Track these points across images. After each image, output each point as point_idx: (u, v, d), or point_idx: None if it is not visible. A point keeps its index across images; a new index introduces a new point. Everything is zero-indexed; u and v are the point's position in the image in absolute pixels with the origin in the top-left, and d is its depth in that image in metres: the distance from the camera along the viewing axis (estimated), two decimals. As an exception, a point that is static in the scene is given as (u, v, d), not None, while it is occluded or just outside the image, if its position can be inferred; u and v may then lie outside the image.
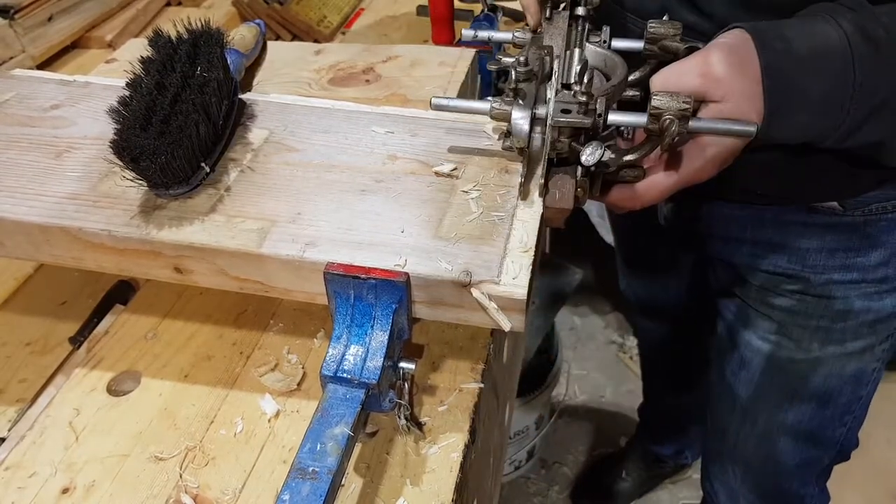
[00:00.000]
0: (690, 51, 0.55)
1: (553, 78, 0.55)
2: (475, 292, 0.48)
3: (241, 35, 0.77)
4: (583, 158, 0.49)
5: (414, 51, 0.81)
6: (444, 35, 1.03)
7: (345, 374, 0.47)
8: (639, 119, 0.51)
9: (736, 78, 0.50)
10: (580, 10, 0.62)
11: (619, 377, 1.81)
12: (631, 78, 0.59)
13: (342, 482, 0.45)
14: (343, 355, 0.47)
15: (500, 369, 0.69)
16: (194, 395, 0.57)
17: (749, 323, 0.83)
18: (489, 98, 0.53)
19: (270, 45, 0.84)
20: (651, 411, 1.49)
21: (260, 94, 0.66)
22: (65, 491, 0.50)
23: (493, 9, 1.02)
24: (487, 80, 0.86)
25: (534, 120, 0.52)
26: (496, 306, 0.48)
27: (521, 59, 0.53)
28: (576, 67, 0.50)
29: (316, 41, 1.07)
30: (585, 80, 0.49)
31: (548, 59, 0.57)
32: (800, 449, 0.89)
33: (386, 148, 0.59)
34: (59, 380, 0.61)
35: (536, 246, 0.50)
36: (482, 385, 0.57)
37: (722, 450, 0.99)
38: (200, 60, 0.56)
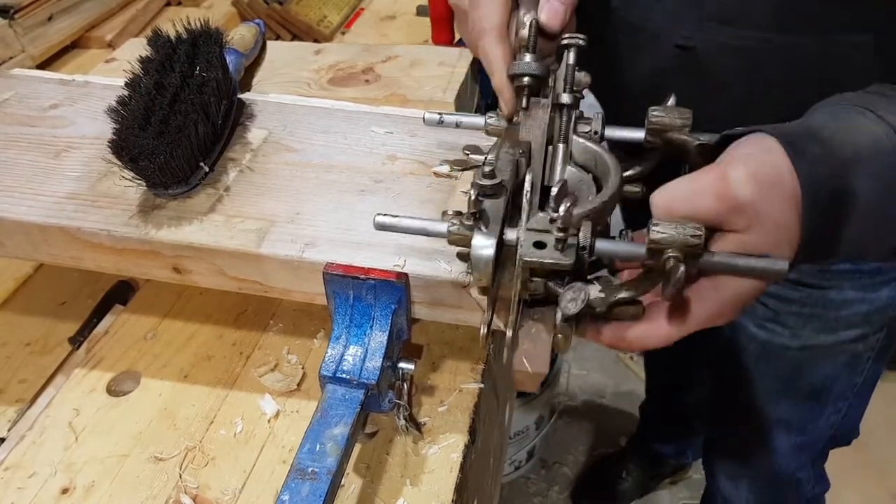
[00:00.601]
0: (703, 150, 0.46)
1: (525, 196, 0.42)
2: (474, 293, 0.48)
3: (241, 35, 0.77)
4: (561, 306, 0.40)
5: (414, 51, 0.81)
6: (444, 35, 1.02)
7: (344, 375, 0.47)
8: (635, 250, 0.41)
9: (765, 202, 0.39)
10: (566, 98, 0.49)
11: (619, 377, 1.81)
12: (628, 173, 0.49)
13: (342, 482, 0.45)
14: (342, 356, 0.47)
15: (500, 369, 0.69)
16: (194, 396, 0.57)
17: (746, 311, 0.84)
18: (447, 214, 0.43)
19: (270, 44, 0.84)
20: (653, 408, 1.49)
21: (259, 94, 0.66)
22: (64, 491, 0.50)
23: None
24: (487, 80, 0.86)
25: (501, 248, 0.42)
26: (496, 306, 0.48)
27: (487, 169, 0.43)
28: (557, 175, 0.42)
29: (316, 41, 1.06)
30: (562, 208, 0.38)
31: (523, 160, 0.47)
32: (793, 433, 0.91)
33: (385, 148, 0.59)
34: (58, 380, 0.60)
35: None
36: (482, 385, 0.57)
37: (720, 435, 1.01)
38: (199, 60, 0.56)
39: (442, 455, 0.52)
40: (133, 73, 0.57)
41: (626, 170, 0.49)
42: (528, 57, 0.49)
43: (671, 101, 0.48)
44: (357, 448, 0.52)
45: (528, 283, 0.41)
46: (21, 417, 0.57)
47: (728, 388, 0.93)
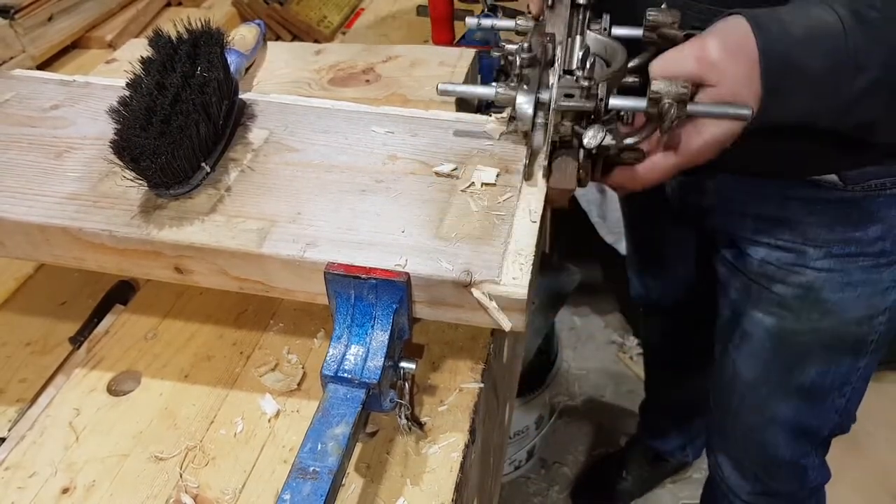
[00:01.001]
0: (688, 38, 0.57)
1: (556, 64, 0.56)
2: (476, 292, 0.48)
3: (242, 35, 0.77)
4: (585, 141, 0.51)
5: (414, 51, 0.81)
6: (444, 35, 1.03)
7: (345, 374, 0.47)
8: (639, 103, 0.52)
9: (731, 62, 0.51)
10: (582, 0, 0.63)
11: (619, 377, 1.81)
12: (631, 64, 0.61)
13: (342, 482, 0.45)
14: (344, 355, 0.47)
15: (500, 369, 0.69)
16: (194, 395, 0.57)
17: (752, 298, 0.86)
18: (493, 83, 0.55)
19: (270, 45, 0.84)
20: (653, 406, 1.49)
21: (260, 94, 0.66)
22: (65, 491, 0.50)
23: (493, 9, 1.02)
24: (488, 80, 0.86)
25: (537, 104, 0.54)
26: (497, 306, 0.48)
27: (525, 45, 0.54)
28: (578, 54, 0.53)
29: (316, 41, 1.07)
30: (587, 65, 0.50)
31: (550, 45, 0.58)
32: (800, 419, 0.91)
33: (386, 148, 0.59)
34: (59, 380, 0.61)
35: (537, 246, 0.51)
36: (482, 385, 0.57)
37: (725, 423, 1.01)
38: (201, 60, 0.56)
39: (442, 455, 0.52)
40: (134, 74, 0.57)
41: (628, 62, 0.60)
42: None
43: (663, 5, 0.60)
44: (357, 448, 0.52)
45: (558, 127, 0.52)
46: (21, 417, 0.58)
47: (732, 375, 0.94)
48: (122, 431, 0.54)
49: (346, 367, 0.47)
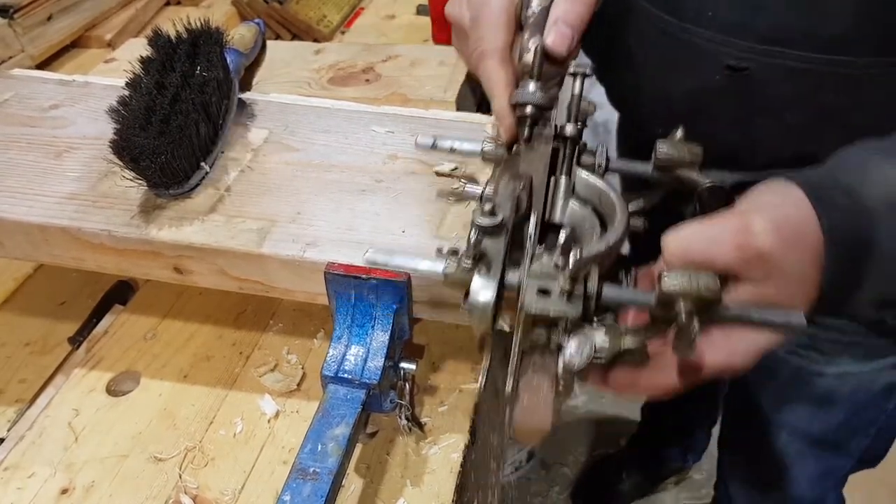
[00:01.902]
0: (714, 193, 0.44)
1: (528, 240, 0.41)
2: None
3: (241, 34, 0.77)
4: (566, 358, 0.37)
5: (414, 51, 0.81)
6: (444, 35, 1.02)
7: (346, 375, 0.46)
8: (644, 298, 0.38)
9: (786, 254, 0.38)
10: (570, 130, 0.47)
11: (619, 377, 1.81)
12: (633, 208, 0.47)
13: (342, 483, 0.45)
14: (344, 356, 0.47)
15: (501, 369, 0.69)
16: (194, 396, 0.57)
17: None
18: (445, 253, 0.41)
19: (270, 44, 0.84)
20: (655, 412, 1.48)
21: (260, 94, 0.66)
22: (64, 491, 0.50)
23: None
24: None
25: (502, 291, 0.39)
26: (497, 306, 0.48)
27: (487, 206, 0.40)
28: (560, 239, 0.38)
29: (316, 41, 1.06)
30: (572, 258, 0.37)
31: (524, 194, 0.44)
32: (823, 458, 0.88)
33: (386, 148, 0.59)
34: (58, 380, 0.60)
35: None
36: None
37: (741, 459, 0.98)
38: (200, 60, 0.56)
39: (442, 455, 0.52)
40: (134, 73, 0.57)
41: (629, 200, 0.47)
42: (531, 85, 0.46)
43: (679, 134, 0.46)
44: (357, 448, 0.52)
45: (528, 333, 0.38)
46: (21, 417, 0.57)
47: (752, 412, 0.90)
48: (122, 432, 0.54)
49: (346, 368, 0.47)
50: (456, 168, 0.56)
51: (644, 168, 0.48)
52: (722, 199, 0.43)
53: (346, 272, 0.48)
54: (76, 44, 1.10)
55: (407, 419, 0.52)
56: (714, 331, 0.39)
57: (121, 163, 0.51)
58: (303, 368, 0.59)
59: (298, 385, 0.57)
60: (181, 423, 0.55)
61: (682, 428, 1.45)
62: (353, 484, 0.51)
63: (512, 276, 0.40)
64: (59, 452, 0.53)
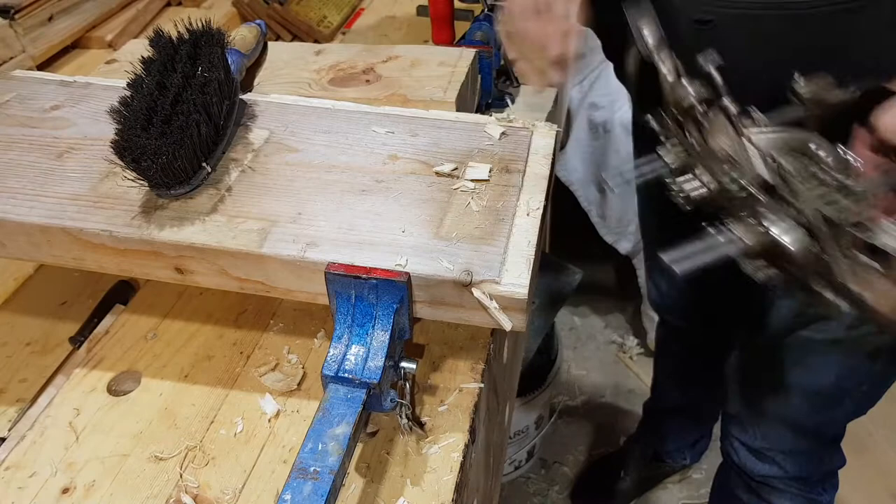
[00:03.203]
0: (866, 93, 0.50)
1: (825, 168, 0.46)
2: (476, 292, 0.48)
3: (242, 35, 0.77)
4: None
5: (414, 51, 0.81)
6: (444, 35, 1.02)
7: (346, 374, 0.47)
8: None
9: None
10: (731, 105, 0.53)
11: (619, 377, 1.81)
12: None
13: (343, 482, 0.45)
14: (344, 355, 0.48)
15: (500, 369, 0.69)
16: (194, 395, 0.57)
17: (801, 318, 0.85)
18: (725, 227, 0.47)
19: (271, 45, 0.84)
20: (655, 409, 1.49)
21: (260, 95, 0.66)
22: (65, 491, 0.50)
23: (493, 9, 1.02)
24: (488, 80, 0.86)
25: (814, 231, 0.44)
26: (497, 306, 0.48)
27: (726, 179, 0.45)
28: (827, 154, 0.44)
29: (316, 41, 1.07)
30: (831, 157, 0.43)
31: (733, 173, 0.49)
32: (821, 408, 0.93)
33: (386, 148, 0.59)
34: (59, 380, 0.61)
35: (537, 246, 0.51)
36: (482, 385, 0.57)
37: (744, 409, 1.03)
38: (201, 60, 0.56)
39: (442, 455, 0.52)
40: (135, 74, 0.57)
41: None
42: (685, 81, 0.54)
43: (798, 79, 0.52)
44: (358, 447, 0.52)
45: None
46: (22, 417, 0.58)
47: (759, 365, 0.95)
48: (122, 431, 0.54)
49: (346, 367, 0.47)
50: (456, 168, 0.56)
51: (797, 113, 0.53)
52: (872, 98, 0.49)
53: (346, 272, 0.48)
54: (77, 44, 1.10)
55: (407, 418, 0.52)
56: None
57: (122, 163, 0.51)
58: (303, 368, 0.59)
59: (299, 384, 0.57)
60: (182, 422, 0.55)
61: (683, 422, 1.46)
62: (353, 483, 0.51)
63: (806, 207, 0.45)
64: (60, 452, 0.53)
